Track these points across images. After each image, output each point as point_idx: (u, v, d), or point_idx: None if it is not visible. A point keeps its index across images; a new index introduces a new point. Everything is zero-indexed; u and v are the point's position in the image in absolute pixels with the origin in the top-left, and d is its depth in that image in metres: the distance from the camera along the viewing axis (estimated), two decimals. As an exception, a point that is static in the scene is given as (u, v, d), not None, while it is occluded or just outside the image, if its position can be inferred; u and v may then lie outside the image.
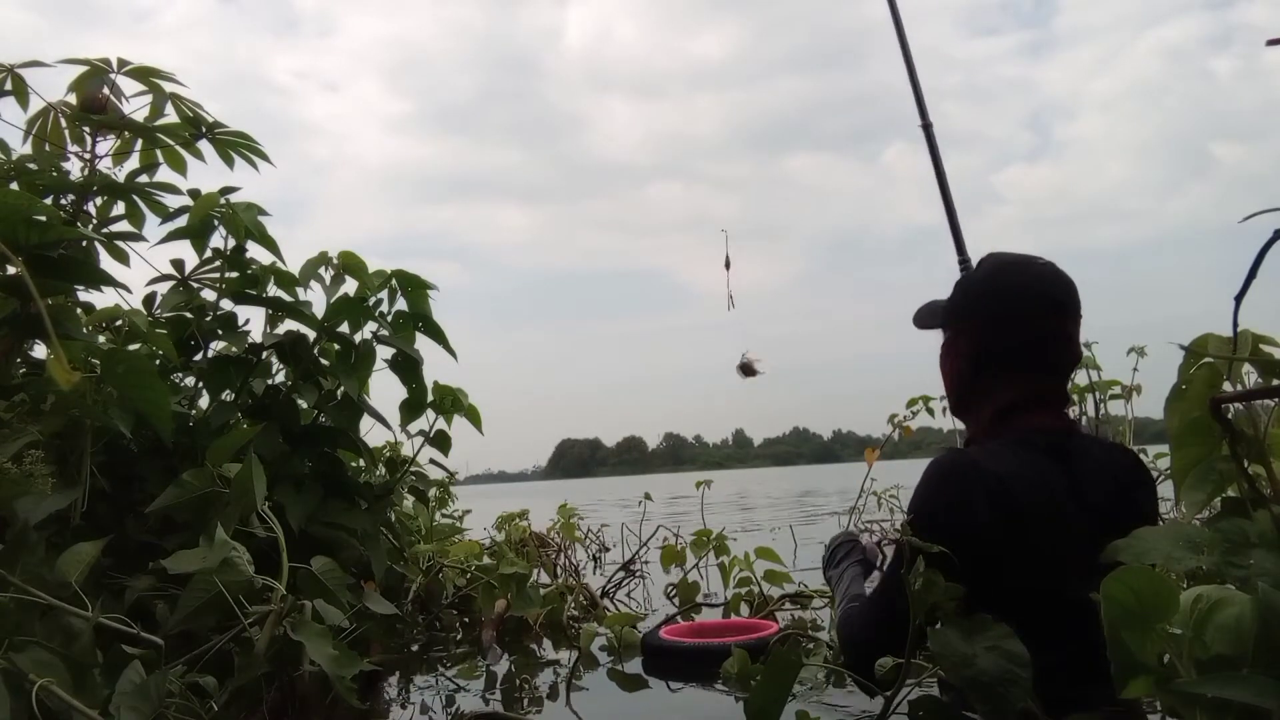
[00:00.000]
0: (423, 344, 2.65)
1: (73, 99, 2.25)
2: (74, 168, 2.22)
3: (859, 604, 1.45)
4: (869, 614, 1.36)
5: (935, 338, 1.56)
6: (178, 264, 2.45)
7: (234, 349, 2.43)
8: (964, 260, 1.78)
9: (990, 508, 1.23)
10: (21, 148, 2.21)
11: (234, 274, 2.43)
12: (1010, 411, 1.37)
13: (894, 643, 1.26)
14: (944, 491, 1.28)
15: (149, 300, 2.41)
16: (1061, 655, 1.15)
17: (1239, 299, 0.82)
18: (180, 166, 2.36)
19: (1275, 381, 0.96)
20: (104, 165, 2.25)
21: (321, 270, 2.50)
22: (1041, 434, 1.33)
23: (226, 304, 2.42)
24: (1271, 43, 0.82)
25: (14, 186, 1.93)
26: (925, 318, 1.55)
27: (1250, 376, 0.99)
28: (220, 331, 2.41)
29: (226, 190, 2.32)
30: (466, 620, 3.14)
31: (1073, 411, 3.51)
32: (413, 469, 2.99)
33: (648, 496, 4.98)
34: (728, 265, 2.49)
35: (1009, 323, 1.37)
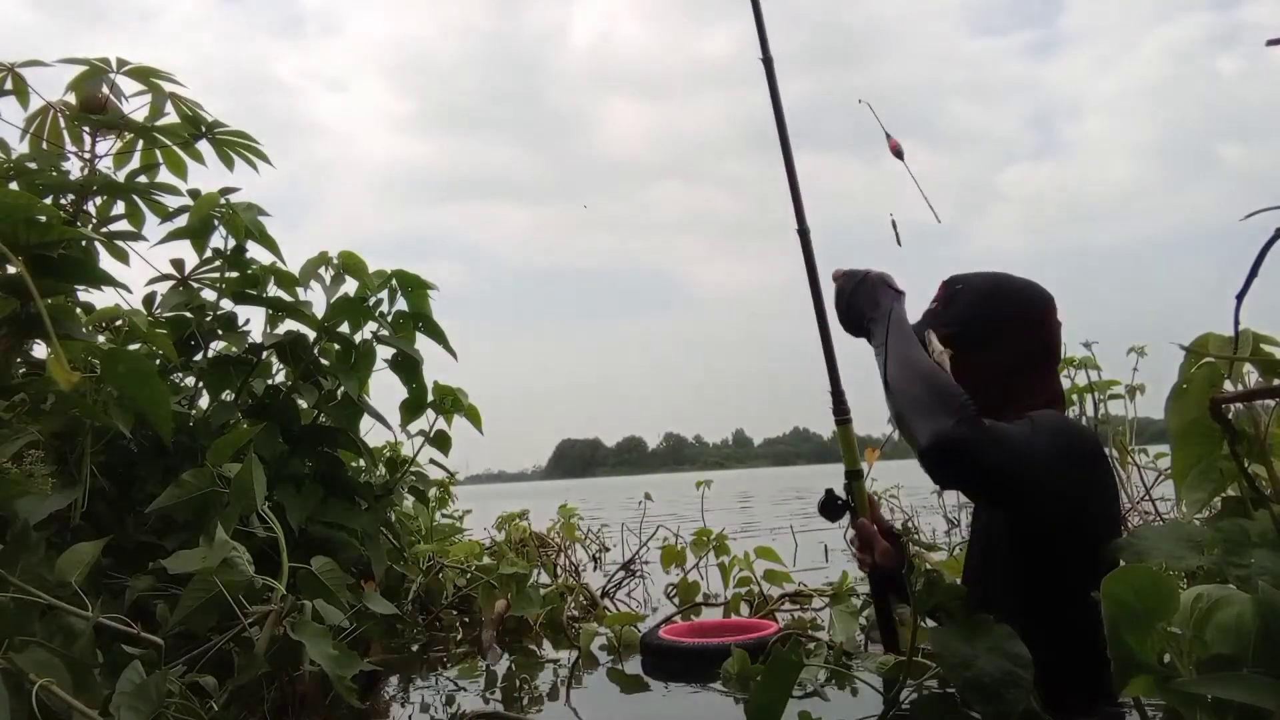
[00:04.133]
0: (423, 344, 2.66)
1: (72, 98, 2.25)
2: (74, 167, 2.23)
3: (1014, 428, 1.26)
4: (1019, 447, 1.23)
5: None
6: (178, 264, 2.45)
7: (234, 349, 2.43)
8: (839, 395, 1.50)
9: (1095, 462, 1.37)
10: (21, 147, 2.21)
11: (234, 274, 2.42)
12: (1037, 408, 1.45)
13: (1008, 483, 1.23)
14: (1088, 435, 1.45)
15: (149, 300, 2.41)
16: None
17: (1240, 298, 0.82)
18: (179, 168, 2.36)
19: (1276, 381, 0.95)
20: (103, 165, 2.26)
21: (321, 270, 2.49)
22: None
23: (226, 304, 2.41)
24: (1272, 43, 0.82)
25: (14, 186, 1.93)
26: (956, 334, 1.51)
27: (1251, 376, 0.99)
28: (220, 331, 2.41)
29: (226, 190, 2.32)
30: (466, 620, 3.14)
31: (1072, 412, 3.51)
32: (413, 469, 2.99)
33: (648, 496, 4.98)
34: (899, 152, 1.61)
35: (1038, 325, 1.50)
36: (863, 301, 1.42)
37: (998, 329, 1.48)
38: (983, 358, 1.48)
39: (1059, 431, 1.31)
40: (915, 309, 1.56)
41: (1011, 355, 1.46)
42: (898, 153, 1.61)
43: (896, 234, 1.55)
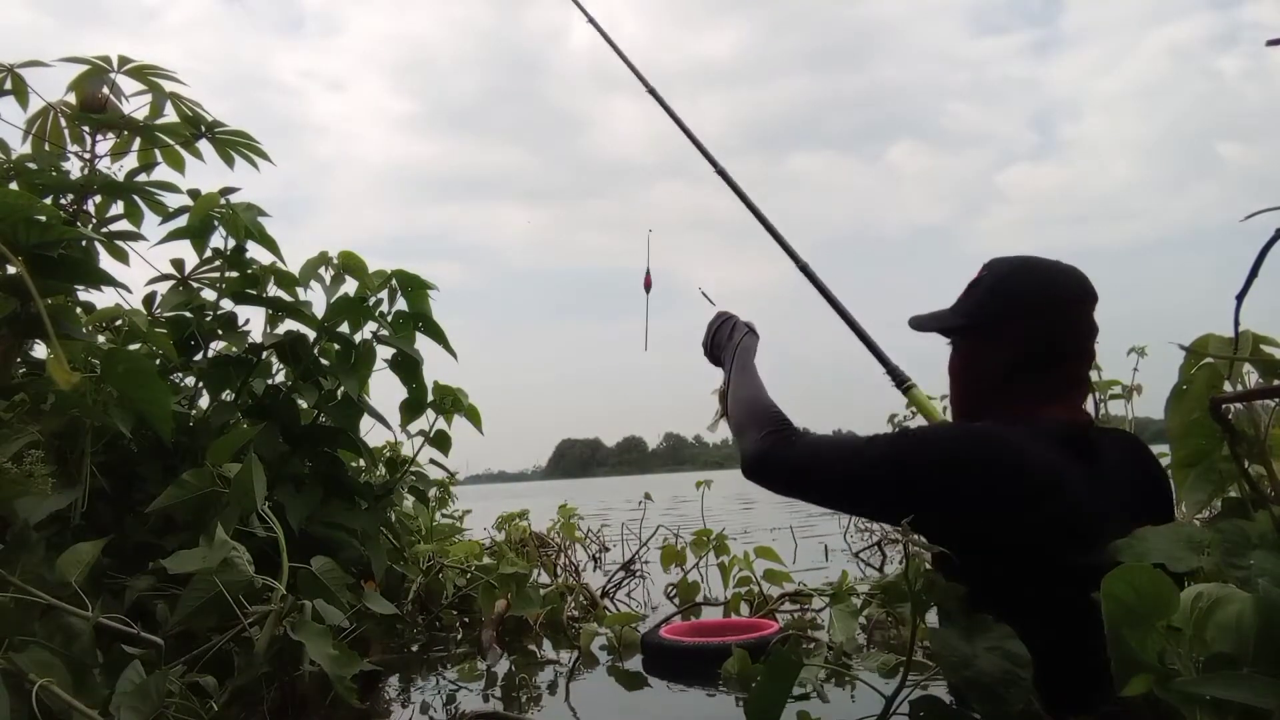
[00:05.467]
0: (423, 344, 2.66)
1: (72, 98, 2.25)
2: (74, 167, 2.23)
3: (815, 436, 1.42)
4: (822, 460, 1.36)
5: (935, 338, 1.55)
6: (178, 264, 2.45)
7: (234, 349, 2.43)
8: (893, 370, 1.72)
9: (997, 475, 1.22)
10: (21, 147, 2.22)
11: (234, 274, 2.43)
12: (1034, 405, 1.37)
13: (813, 495, 1.41)
14: (954, 440, 1.29)
15: (149, 300, 2.42)
16: (1054, 642, 1.09)
17: (1240, 298, 0.82)
18: (179, 165, 2.36)
19: (1276, 381, 0.95)
20: (103, 165, 2.26)
21: (321, 270, 2.50)
22: (1062, 425, 1.33)
23: (226, 304, 2.42)
24: (1272, 43, 0.82)
25: (14, 186, 1.93)
26: (927, 320, 1.52)
27: (1251, 376, 0.99)
28: (220, 331, 2.41)
29: (226, 190, 2.32)
30: (466, 620, 3.14)
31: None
32: (413, 469, 2.99)
33: (648, 496, 4.98)
34: (648, 286, 1.98)
35: (1054, 316, 1.38)
36: (721, 337, 1.67)
37: (1004, 320, 1.40)
38: (983, 351, 1.43)
39: (920, 441, 1.30)
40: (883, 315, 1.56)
41: (1012, 350, 1.38)
42: (648, 285, 1.98)
43: (708, 298, 1.78)
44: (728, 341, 1.66)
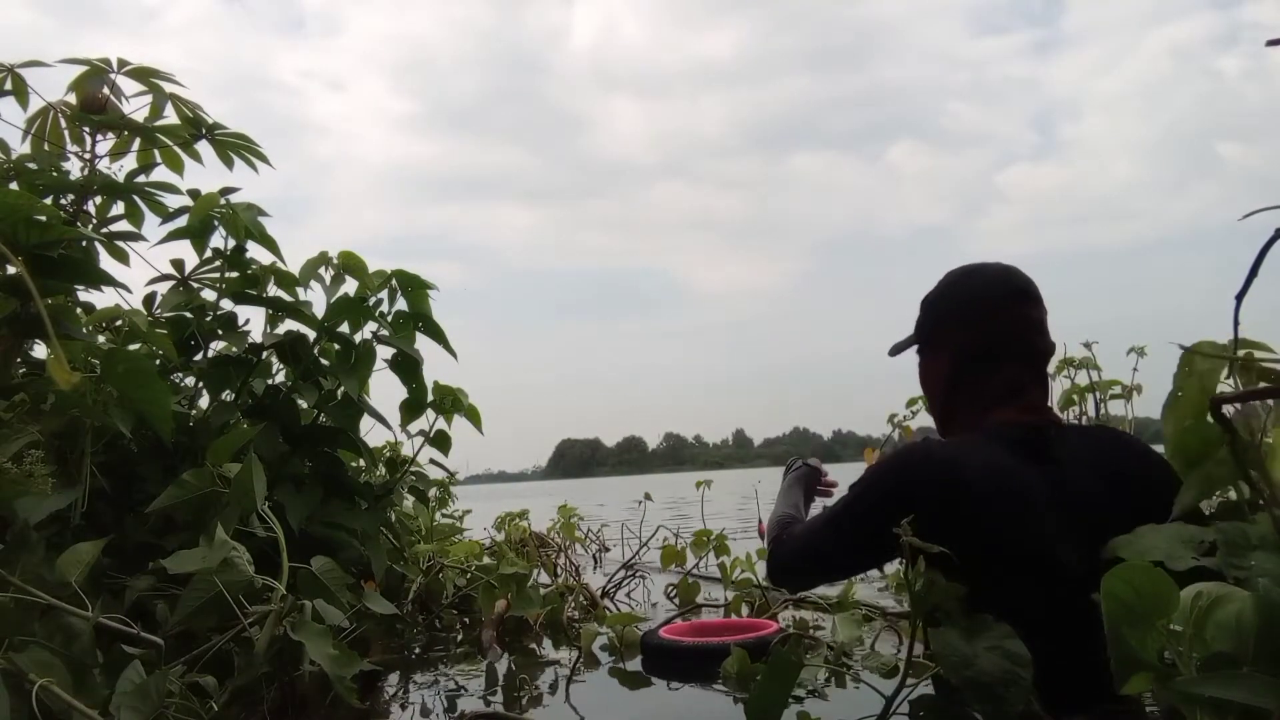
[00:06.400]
0: (423, 344, 2.66)
1: (72, 99, 2.25)
2: (74, 167, 2.23)
3: (797, 527, 1.58)
4: (802, 546, 1.50)
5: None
6: (178, 264, 2.45)
7: (234, 349, 2.43)
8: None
9: (937, 492, 1.24)
10: (21, 147, 2.22)
11: (234, 274, 2.43)
12: (984, 410, 1.37)
13: (814, 579, 1.73)
14: (890, 472, 1.34)
15: (149, 300, 2.42)
16: (1051, 643, 1.07)
17: (1239, 298, 0.82)
18: (178, 167, 2.36)
19: (1263, 384, 0.95)
20: (103, 165, 2.26)
21: (321, 270, 2.50)
22: (1012, 427, 1.32)
23: (226, 304, 2.42)
24: (1272, 43, 0.82)
25: (14, 186, 1.93)
26: (898, 345, 1.60)
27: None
28: (220, 331, 2.41)
29: (226, 190, 2.32)
30: (466, 620, 3.14)
31: (1073, 411, 3.49)
32: (413, 469, 2.99)
33: (648, 496, 4.98)
34: None
35: (980, 320, 1.39)
36: (785, 472, 1.91)
37: (938, 331, 1.45)
38: (930, 364, 1.47)
39: (858, 496, 1.38)
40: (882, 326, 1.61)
41: (949, 358, 1.42)
42: None
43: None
44: (784, 478, 1.88)
